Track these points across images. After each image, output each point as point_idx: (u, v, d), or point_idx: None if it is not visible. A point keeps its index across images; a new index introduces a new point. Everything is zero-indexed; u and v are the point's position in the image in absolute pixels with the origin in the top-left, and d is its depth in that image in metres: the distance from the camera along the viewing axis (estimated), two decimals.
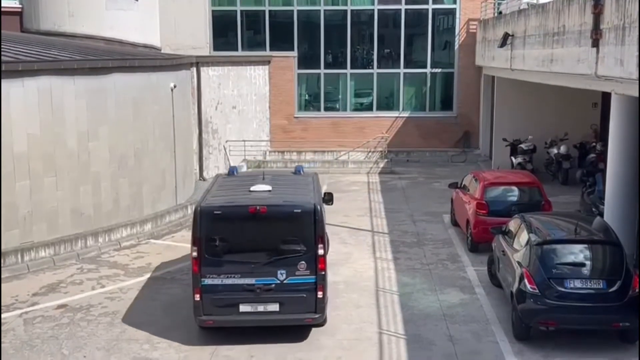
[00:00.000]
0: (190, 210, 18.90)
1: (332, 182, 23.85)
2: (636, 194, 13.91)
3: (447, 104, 28.22)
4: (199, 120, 22.95)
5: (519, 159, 22.47)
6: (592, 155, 21.80)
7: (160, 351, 10.71)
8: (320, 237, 10.59)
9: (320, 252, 10.56)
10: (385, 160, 26.13)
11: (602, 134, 21.70)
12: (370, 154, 27.32)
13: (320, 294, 10.63)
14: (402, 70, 27.97)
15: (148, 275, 14.28)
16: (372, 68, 28.17)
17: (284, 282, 10.51)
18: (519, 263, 11.34)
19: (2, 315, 12.05)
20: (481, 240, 15.21)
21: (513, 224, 12.65)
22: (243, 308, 10.51)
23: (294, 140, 27.72)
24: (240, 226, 10.58)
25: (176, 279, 14.02)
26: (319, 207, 10.73)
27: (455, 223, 17.68)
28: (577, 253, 11.13)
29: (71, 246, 15.43)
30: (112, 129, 16.72)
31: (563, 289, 10.60)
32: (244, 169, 13.32)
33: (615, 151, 14.06)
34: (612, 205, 14.12)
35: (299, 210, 10.61)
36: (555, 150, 22.45)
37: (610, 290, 10.58)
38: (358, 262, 14.97)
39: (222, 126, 24.82)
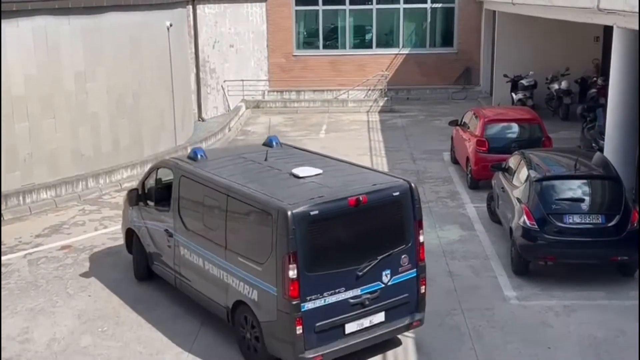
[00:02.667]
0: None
1: (332, 122, 23.78)
2: (636, 129, 13.88)
3: (447, 40, 27.89)
4: (196, 59, 22.71)
5: (520, 95, 22.34)
6: (593, 90, 21.66)
7: (164, 290, 10.85)
8: (419, 221, 8.83)
9: (421, 239, 8.83)
10: (385, 98, 25.99)
11: (604, 69, 21.50)
12: (370, 92, 27.14)
13: (422, 289, 8.90)
14: (401, 5, 27.54)
15: None
16: (371, 4, 27.73)
17: (389, 284, 8.55)
18: (518, 199, 11.40)
19: (7, 257, 12.18)
20: (481, 177, 15.26)
21: (513, 161, 12.66)
22: (349, 328, 8.31)
23: (293, 79, 27.50)
24: (339, 225, 8.24)
25: None
26: (414, 186, 8.87)
27: (455, 161, 17.70)
28: (576, 188, 11.18)
29: (72, 188, 15.49)
30: (109, 69, 16.57)
31: (562, 224, 10.69)
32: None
33: (616, 86, 13.96)
34: (612, 140, 14.10)
35: (398, 193, 8.62)
36: (556, 86, 22.30)
37: (609, 224, 10.67)
38: None
39: (219, 65, 24.57)
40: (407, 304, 8.76)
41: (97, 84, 16.30)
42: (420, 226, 8.82)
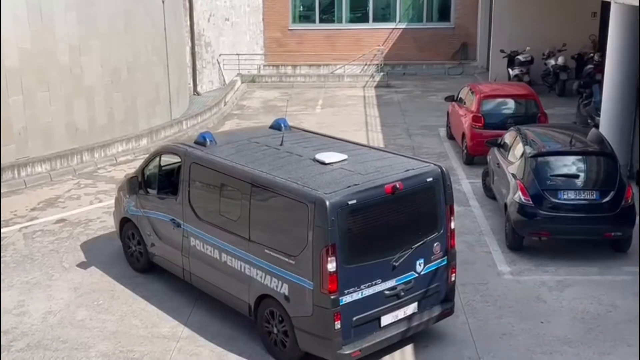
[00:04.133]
0: (185, 125, 18.86)
1: (328, 97, 23.70)
2: (632, 105, 13.88)
3: (444, 15, 27.72)
4: (192, 33, 22.52)
5: (516, 71, 22.27)
6: (590, 66, 21.60)
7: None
8: (451, 206, 8.56)
9: (452, 225, 8.58)
10: (382, 73, 25.89)
11: (601, 45, 21.43)
12: (366, 67, 27.02)
13: (452, 277, 8.68)
14: None
15: None
16: None
17: (422, 273, 8.30)
18: (513, 175, 11.42)
19: (3, 230, 12.19)
20: (476, 153, 15.26)
21: (508, 137, 12.66)
22: (384, 321, 8.06)
23: (289, 54, 27.34)
24: (376, 214, 7.87)
25: None
26: (446, 171, 8.63)
27: (451, 136, 17.69)
28: (571, 165, 11.20)
29: (67, 161, 15.45)
30: (104, 42, 16.45)
31: (556, 200, 10.73)
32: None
33: (612, 62, 13.93)
34: (608, 116, 14.11)
35: (431, 179, 8.35)
36: (552, 62, 22.23)
37: (604, 200, 10.71)
38: None
39: (215, 39, 24.40)
40: (438, 293, 8.58)
41: (92, 57, 16.19)
42: (451, 212, 8.56)
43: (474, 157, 15.51)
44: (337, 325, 7.65)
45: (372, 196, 7.81)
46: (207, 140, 9.57)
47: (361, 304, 7.82)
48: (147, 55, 17.95)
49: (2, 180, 14.22)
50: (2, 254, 11.23)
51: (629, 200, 10.77)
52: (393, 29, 27.42)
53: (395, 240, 8.06)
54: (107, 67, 16.62)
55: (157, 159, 10.35)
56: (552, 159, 11.22)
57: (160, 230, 10.00)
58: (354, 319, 7.79)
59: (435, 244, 8.41)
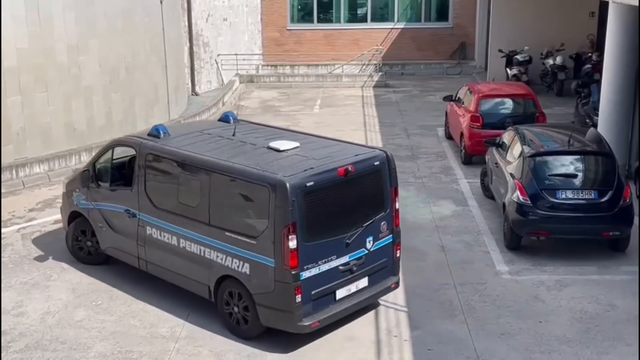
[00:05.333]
0: None
1: (326, 97, 23.70)
2: (630, 104, 13.89)
3: (442, 15, 27.73)
4: (190, 33, 22.52)
5: (515, 71, 22.28)
6: (588, 66, 21.63)
7: None
8: (395, 188, 9.21)
9: (397, 205, 9.22)
10: (380, 73, 25.89)
11: (599, 44, 21.44)
12: (364, 67, 27.02)
13: (398, 253, 9.36)
14: None
15: None
16: None
17: (371, 250, 8.94)
18: (511, 175, 11.43)
19: (1, 230, 12.16)
20: (475, 152, 15.27)
21: (507, 136, 12.67)
22: (339, 294, 8.66)
23: (287, 54, 27.34)
24: (331, 195, 8.49)
25: None
26: (391, 155, 9.20)
27: (449, 136, 17.70)
28: (570, 164, 11.21)
29: (65, 162, 15.44)
30: (102, 42, 16.44)
31: (555, 200, 10.73)
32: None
33: (610, 61, 13.95)
34: (606, 116, 14.12)
35: (378, 163, 8.97)
36: (550, 61, 22.25)
37: (602, 200, 10.72)
38: None
39: (213, 39, 24.39)
40: (386, 268, 9.23)
41: (90, 57, 16.17)
42: (396, 193, 9.23)
43: (472, 156, 15.51)
44: (298, 298, 8.22)
45: (327, 178, 8.44)
46: (161, 132, 9.93)
47: (319, 279, 8.42)
48: (145, 55, 17.94)
49: (0, 180, 14.20)
50: (0, 255, 11.22)
51: (627, 200, 10.78)
52: (391, 28, 27.42)
53: (348, 220, 8.68)
54: (105, 67, 16.61)
55: (110, 152, 10.53)
56: (550, 158, 11.23)
57: (114, 222, 10.24)
58: (313, 292, 8.37)
59: (382, 223, 9.07)
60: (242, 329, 8.77)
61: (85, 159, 15.78)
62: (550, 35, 22.69)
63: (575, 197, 10.78)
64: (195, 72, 22.90)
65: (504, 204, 11.46)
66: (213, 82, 24.40)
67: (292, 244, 8.09)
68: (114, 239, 10.28)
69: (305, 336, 8.68)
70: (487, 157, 13.46)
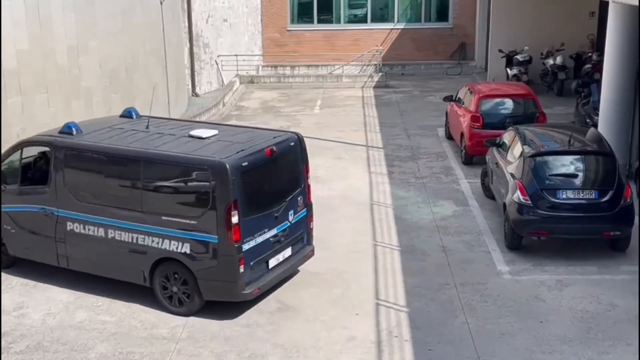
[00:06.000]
0: None
1: (327, 97, 23.70)
2: (630, 104, 13.89)
3: (442, 15, 27.72)
4: (190, 34, 22.52)
5: (515, 71, 22.28)
6: (588, 65, 21.63)
7: None
8: (307, 165, 10.22)
9: (309, 181, 10.24)
10: (380, 73, 25.89)
11: (599, 44, 21.44)
12: (364, 67, 27.02)
13: (311, 225, 10.38)
14: None
15: None
16: None
17: (293, 222, 9.85)
18: (512, 175, 11.43)
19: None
20: (475, 153, 15.27)
21: (507, 136, 12.67)
22: (271, 263, 9.54)
23: (287, 54, 27.34)
24: (261, 173, 9.33)
25: None
26: (302, 136, 10.16)
27: (449, 136, 17.70)
28: (570, 164, 11.21)
29: None
30: (102, 43, 16.43)
31: (555, 200, 10.73)
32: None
33: (611, 61, 13.94)
34: (607, 116, 14.12)
35: (293, 143, 9.92)
36: (551, 61, 22.25)
37: (602, 200, 10.72)
38: (353, 177, 15.06)
39: (213, 40, 24.40)
40: (303, 239, 10.23)
41: (90, 58, 16.17)
42: (307, 170, 10.20)
43: (472, 157, 15.51)
44: (241, 269, 8.98)
45: (257, 159, 9.26)
46: (73, 129, 10.17)
47: (255, 250, 9.22)
48: (145, 56, 17.94)
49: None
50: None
51: (628, 200, 10.78)
52: (391, 29, 27.42)
53: (275, 195, 9.62)
54: (105, 68, 16.61)
55: (18, 153, 10.54)
56: (550, 158, 11.23)
57: (25, 223, 10.27)
58: (251, 263, 9.15)
59: (299, 198, 10.02)
60: (181, 308, 9.31)
61: None
62: (550, 35, 22.69)
63: (576, 197, 10.78)
64: (196, 73, 22.91)
65: (504, 204, 11.46)
66: (213, 82, 24.40)
67: (235, 219, 8.82)
68: (27, 240, 10.29)
69: (306, 337, 8.69)
70: (487, 157, 13.46)
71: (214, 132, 9.83)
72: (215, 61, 24.62)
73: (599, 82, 15.88)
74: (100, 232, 9.59)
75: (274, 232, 9.52)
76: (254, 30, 27.14)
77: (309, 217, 10.29)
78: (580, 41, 22.90)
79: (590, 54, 22.12)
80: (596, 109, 15.13)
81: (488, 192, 13.35)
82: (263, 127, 10.53)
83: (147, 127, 10.14)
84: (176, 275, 9.27)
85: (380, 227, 12.31)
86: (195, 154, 9.11)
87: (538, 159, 11.18)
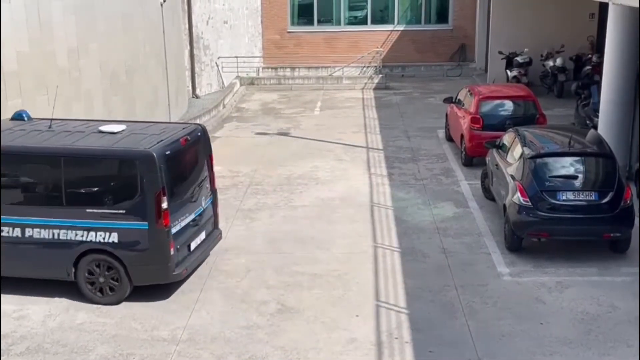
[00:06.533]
0: None
1: (327, 99, 23.72)
2: (630, 106, 13.90)
3: (442, 17, 27.75)
4: (190, 35, 22.54)
5: (515, 72, 22.29)
6: (588, 67, 21.64)
7: None
8: (211, 155, 10.78)
9: (213, 170, 10.83)
10: (380, 75, 25.90)
11: (599, 46, 21.46)
12: (364, 69, 27.04)
13: (217, 210, 11.02)
14: None
15: None
16: None
17: (204, 207, 10.54)
18: (512, 176, 11.43)
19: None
20: (475, 154, 15.27)
21: (507, 138, 12.67)
22: (193, 245, 10.20)
23: (287, 56, 27.36)
24: (180, 161, 9.99)
25: None
26: (205, 128, 10.82)
27: (449, 138, 17.70)
28: (570, 166, 11.21)
29: None
30: (103, 45, 16.44)
31: (555, 201, 10.73)
32: None
33: (611, 63, 13.95)
34: (607, 117, 14.12)
35: (199, 134, 10.51)
36: (551, 63, 22.27)
37: (602, 201, 10.72)
38: (353, 178, 15.07)
39: (213, 42, 24.42)
40: (212, 223, 10.84)
41: (90, 60, 16.18)
42: (211, 159, 10.78)
43: (472, 158, 15.52)
44: (172, 251, 9.49)
45: (176, 148, 9.77)
46: None
47: (181, 234, 9.77)
48: (145, 58, 17.95)
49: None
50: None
51: (628, 201, 10.78)
52: (391, 30, 27.44)
53: (190, 182, 10.15)
54: (105, 70, 16.62)
55: None
56: (550, 160, 11.23)
57: None
58: (178, 246, 9.68)
59: (207, 185, 10.61)
60: (109, 297, 9.67)
61: None
62: (550, 37, 22.71)
63: (576, 198, 10.78)
64: (196, 75, 22.92)
65: (504, 206, 11.46)
66: (214, 84, 24.42)
67: (165, 205, 9.33)
68: None
69: (306, 338, 8.69)
70: (487, 159, 13.46)
71: (123, 127, 10.16)
72: (216, 63, 24.64)
73: (599, 83, 15.89)
74: (16, 232, 9.63)
75: (192, 216, 10.14)
76: (254, 32, 27.16)
77: (215, 202, 10.95)
78: (580, 43, 22.92)
79: (590, 56, 22.13)
80: (596, 111, 15.13)
81: (488, 193, 13.35)
82: (166, 122, 10.90)
83: (50, 127, 10.27)
84: (101, 266, 9.56)
85: (380, 228, 12.31)
86: (119, 146, 9.51)
87: (538, 160, 11.18)
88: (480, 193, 13.75)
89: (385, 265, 10.89)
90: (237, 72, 25.63)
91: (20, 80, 14.83)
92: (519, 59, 22.53)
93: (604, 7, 17.74)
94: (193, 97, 22.60)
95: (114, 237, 9.44)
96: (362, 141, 18.09)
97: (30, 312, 9.58)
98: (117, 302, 9.66)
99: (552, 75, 22.22)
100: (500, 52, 23.01)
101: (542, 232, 10.84)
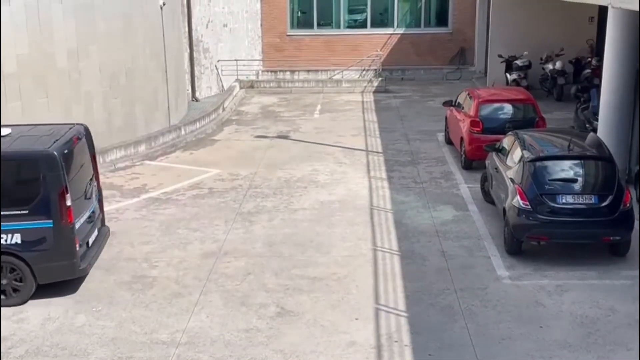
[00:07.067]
0: (184, 131, 18.88)
1: (326, 102, 23.73)
2: (630, 109, 13.91)
3: (442, 20, 27.77)
4: (190, 39, 22.56)
5: (514, 76, 22.32)
6: (587, 70, 21.65)
7: (159, 269, 10.90)
8: (94, 155, 11.03)
9: (97, 169, 11.14)
10: (380, 78, 25.91)
11: (598, 49, 21.48)
12: (364, 72, 27.06)
13: (103, 208, 11.39)
14: None
15: (144, 196, 14.37)
16: None
17: (95, 204, 10.84)
18: (511, 179, 11.43)
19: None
20: (475, 157, 15.28)
21: (507, 141, 12.68)
22: (90, 241, 10.45)
23: (287, 59, 27.37)
24: (74, 160, 10.15)
25: (172, 199, 14.13)
26: (88, 128, 10.99)
27: (449, 141, 17.71)
28: (570, 169, 11.21)
29: None
30: (102, 47, 16.46)
31: (555, 205, 10.73)
32: None
33: (610, 66, 13.96)
34: (606, 121, 14.13)
35: (85, 133, 10.72)
36: (550, 66, 22.29)
37: (602, 205, 10.71)
38: (353, 181, 15.07)
39: (213, 45, 24.43)
40: (101, 220, 11.14)
41: (90, 63, 16.20)
42: (94, 158, 11.04)
43: (472, 161, 15.52)
44: (77, 247, 9.80)
45: (71, 147, 10.04)
46: None
47: (81, 230, 10.07)
48: (145, 61, 17.96)
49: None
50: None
51: (627, 205, 10.78)
52: (391, 34, 27.47)
53: (83, 180, 10.42)
54: (105, 73, 16.63)
55: None
56: (550, 163, 11.24)
57: None
58: (79, 242, 9.92)
59: (94, 183, 10.91)
60: (16, 298, 9.72)
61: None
62: (550, 40, 22.74)
63: (576, 201, 10.78)
64: (196, 78, 22.93)
65: (504, 209, 11.46)
66: (213, 87, 24.43)
67: (69, 202, 9.58)
68: None
69: (306, 342, 8.69)
70: (487, 162, 13.46)
71: (8, 130, 10.24)
72: (215, 66, 24.65)
73: (598, 87, 15.90)
74: None
75: (88, 212, 10.46)
76: (253, 35, 27.18)
77: (100, 201, 11.22)
78: (579, 46, 22.95)
79: (589, 59, 22.15)
80: (595, 114, 15.14)
81: (488, 196, 13.35)
82: (48, 123, 11.23)
83: None
84: (4, 268, 9.57)
85: (380, 231, 12.31)
86: (17, 148, 9.66)
87: (538, 163, 11.18)
88: (480, 196, 13.75)
89: (384, 268, 10.88)
90: (237, 75, 25.64)
91: (20, 82, 14.85)
92: (518, 62, 22.56)
93: (603, 11, 17.77)
94: (193, 100, 22.60)
95: (17, 238, 9.54)
96: (361, 144, 18.10)
97: (30, 315, 9.57)
98: (22, 303, 9.71)
99: (551, 79, 22.24)
100: (500, 56, 23.03)
101: (542, 236, 10.84)
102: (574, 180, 11.04)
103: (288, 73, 27.11)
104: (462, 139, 15.93)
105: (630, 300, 9.69)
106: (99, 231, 10.94)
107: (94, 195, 10.83)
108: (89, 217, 10.50)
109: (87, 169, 10.71)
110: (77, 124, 10.88)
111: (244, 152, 17.70)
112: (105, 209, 13.40)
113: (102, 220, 11.29)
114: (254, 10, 26.98)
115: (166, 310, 9.64)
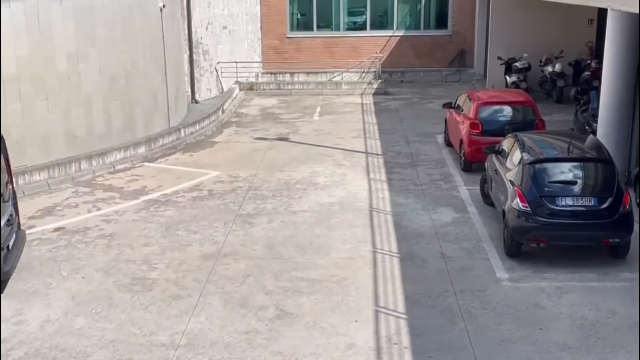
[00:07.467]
0: (184, 133, 18.89)
1: (326, 104, 23.74)
2: (629, 111, 13.91)
3: (442, 22, 27.79)
4: (190, 41, 22.57)
5: (514, 78, 22.32)
6: (587, 72, 21.66)
7: (158, 271, 10.89)
8: (7, 159, 10.97)
9: (11, 172, 11.12)
10: (379, 80, 25.92)
11: (598, 51, 21.49)
12: (364, 74, 27.07)
13: (17, 211, 11.27)
14: None
15: (143, 198, 14.37)
16: None
17: (10, 208, 10.68)
18: (511, 182, 11.43)
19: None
20: (474, 160, 15.28)
21: (506, 143, 12.68)
22: (10, 244, 10.36)
23: (287, 61, 27.38)
24: None
25: (171, 201, 14.12)
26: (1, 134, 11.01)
27: (448, 143, 17.71)
28: (569, 171, 11.21)
29: (65, 170, 15.44)
30: (102, 49, 16.47)
31: (554, 207, 10.73)
32: None
33: (609, 68, 13.97)
34: (606, 123, 14.14)
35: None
36: (550, 69, 22.30)
37: (601, 207, 10.71)
38: (352, 183, 15.07)
39: (213, 47, 24.45)
40: (17, 223, 11.01)
41: (90, 65, 16.20)
42: (8, 162, 10.99)
43: (472, 164, 15.52)
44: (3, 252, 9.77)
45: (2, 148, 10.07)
46: None
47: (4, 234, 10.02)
48: (145, 63, 17.97)
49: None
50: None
51: (627, 207, 10.78)
52: (391, 36, 27.48)
53: (1, 185, 10.30)
54: (105, 75, 16.64)
55: None
56: (549, 165, 11.24)
57: None
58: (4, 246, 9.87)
59: (10, 186, 10.85)
60: None
61: (85, 166, 15.83)
62: (549, 43, 22.74)
63: (575, 204, 10.78)
64: (195, 80, 22.94)
65: (503, 211, 11.46)
66: (213, 89, 24.44)
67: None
68: None
69: (305, 344, 8.67)
70: (486, 164, 13.46)
71: None
72: (215, 68, 24.66)
73: (597, 89, 15.91)
74: None
75: (7, 216, 10.38)
76: (253, 37, 27.19)
77: (15, 205, 11.14)
78: (579, 48, 22.95)
79: (589, 61, 22.16)
80: (595, 116, 15.15)
81: (487, 199, 13.35)
82: None
83: None
84: None
85: (379, 233, 12.31)
86: None
87: (537, 166, 11.18)
88: (480, 198, 13.75)
89: (384, 270, 10.88)
90: (237, 77, 25.65)
91: (20, 84, 14.86)
92: (518, 64, 22.56)
93: (602, 13, 17.77)
94: (192, 102, 22.60)
95: None
96: (361, 146, 18.10)
97: (29, 317, 9.57)
98: None
99: (551, 81, 22.25)
100: (499, 58, 23.04)
101: (541, 238, 10.84)
102: (574, 183, 11.04)
103: (288, 75, 27.12)
104: (461, 141, 15.93)
105: (630, 302, 9.68)
106: (16, 235, 10.80)
107: (10, 199, 10.74)
108: (8, 220, 10.38)
109: (3, 172, 10.61)
110: None
111: (243, 154, 17.71)
112: (105, 210, 13.51)
113: (19, 224, 11.14)
114: (253, 13, 27.00)
115: (165, 312, 9.63)
